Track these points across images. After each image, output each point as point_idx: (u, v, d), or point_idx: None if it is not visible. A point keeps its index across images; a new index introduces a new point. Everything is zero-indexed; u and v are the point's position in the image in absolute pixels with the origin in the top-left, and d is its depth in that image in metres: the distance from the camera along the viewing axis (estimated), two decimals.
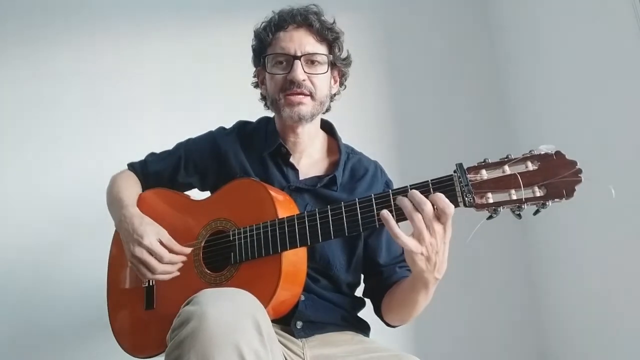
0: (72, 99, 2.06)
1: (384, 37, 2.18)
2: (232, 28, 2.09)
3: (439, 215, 0.86)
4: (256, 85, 1.27)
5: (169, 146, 1.32)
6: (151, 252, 1.06)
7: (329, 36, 1.16)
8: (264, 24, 1.19)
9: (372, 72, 2.13)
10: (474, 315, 1.92)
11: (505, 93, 2.10)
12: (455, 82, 2.14)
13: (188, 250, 1.09)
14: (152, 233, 1.07)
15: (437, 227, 0.86)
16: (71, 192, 1.95)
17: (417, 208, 0.86)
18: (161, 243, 1.07)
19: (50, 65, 2.09)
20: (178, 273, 1.08)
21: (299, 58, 1.11)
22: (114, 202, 1.20)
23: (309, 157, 1.23)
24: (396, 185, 1.27)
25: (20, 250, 1.89)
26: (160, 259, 1.06)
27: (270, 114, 1.27)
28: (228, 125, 1.31)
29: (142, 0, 2.17)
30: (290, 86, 1.11)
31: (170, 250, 1.08)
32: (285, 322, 1.07)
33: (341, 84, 1.26)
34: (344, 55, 1.22)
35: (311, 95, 1.13)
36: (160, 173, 1.28)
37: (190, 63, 2.11)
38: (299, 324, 1.08)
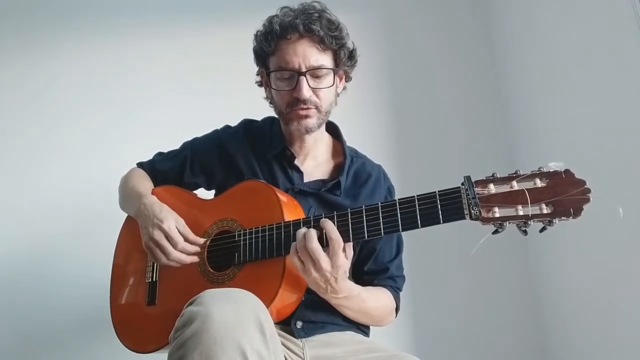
0: (74, 98, 2.04)
1: (384, 41, 2.15)
2: (235, 25, 2.07)
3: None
4: (260, 85, 1.25)
5: (174, 145, 1.32)
6: (168, 237, 1.07)
7: (334, 45, 1.12)
8: (265, 30, 1.14)
9: (372, 76, 2.09)
10: (474, 316, 1.93)
11: (506, 96, 2.09)
12: (455, 86, 2.12)
13: (201, 240, 1.10)
14: (172, 219, 1.09)
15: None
16: (71, 192, 1.94)
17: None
18: (178, 230, 1.09)
19: (51, 64, 2.07)
20: (196, 259, 1.09)
21: (303, 74, 1.09)
22: (131, 195, 1.20)
23: (314, 159, 1.23)
24: (397, 192, 1.27)
25: (21, 251, 1.89)
26: (175, 245, 1.07)
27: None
28: (232, 123, 1.30)
29: None
30: (296, 102, 1.11)
31: (185, 239, 1.09)
32: (285, 322, 1.08)
33: (347, 79, 1.23)
34: (349, 55, 1.17)
35: (317, 108, 1.13)
36: (167, 173, 1.29)
37: (193, 61, 2.09)
38: (299, 324, 1.09)
